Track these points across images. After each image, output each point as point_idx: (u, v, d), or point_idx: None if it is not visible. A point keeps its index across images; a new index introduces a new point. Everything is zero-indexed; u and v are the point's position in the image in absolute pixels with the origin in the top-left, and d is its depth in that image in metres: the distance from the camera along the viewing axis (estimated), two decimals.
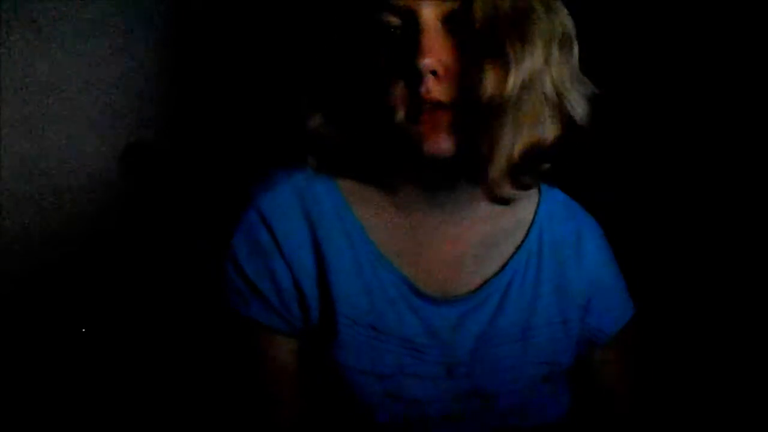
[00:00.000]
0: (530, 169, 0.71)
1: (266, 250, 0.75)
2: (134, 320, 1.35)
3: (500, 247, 0.80)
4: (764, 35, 1.11)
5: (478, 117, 0.67)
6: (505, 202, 0.73)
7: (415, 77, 0.67)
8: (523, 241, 0.81)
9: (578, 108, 0.71)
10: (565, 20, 0.71)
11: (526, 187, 0.73)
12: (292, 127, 0.78)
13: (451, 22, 0.68)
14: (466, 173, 0.74)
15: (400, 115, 0.69)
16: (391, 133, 0.71)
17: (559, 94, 0.69)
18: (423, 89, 0.67)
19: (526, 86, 0.67)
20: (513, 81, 0.66)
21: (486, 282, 0.78)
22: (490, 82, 0.66)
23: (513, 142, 0.67)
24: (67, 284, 1.35)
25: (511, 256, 0.80)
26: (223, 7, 1.41)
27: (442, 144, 0.68)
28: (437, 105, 0.68)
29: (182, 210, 1.40)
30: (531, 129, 0.68)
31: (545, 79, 0.68)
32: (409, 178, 0.77)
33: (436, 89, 0.67)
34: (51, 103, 1.34)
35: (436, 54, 0.67)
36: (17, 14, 1.31)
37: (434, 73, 0.67)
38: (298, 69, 0.79)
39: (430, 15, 0.67)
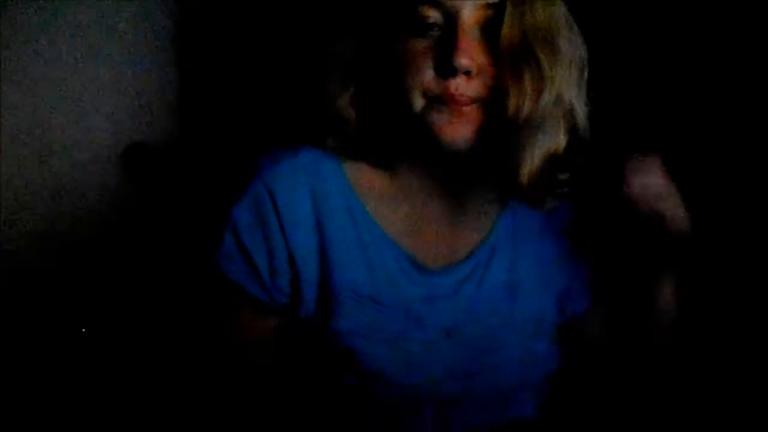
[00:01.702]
0: (549, 177, 0.77)
1: (267, 222, 0.78)
2: (134, 320, 1.36)
3: (487, 215, 0.87)
4: (764, 36, 1.11)
5: (507, 126, 0.73)
6: (539, 203, 0.79)
7: (448, 73, 0.72)
8: (503, 209, 0.87)
9: (584, 123, 0.77)
10: (581, 43, 0.77)
11: (551, 193, 0.79)
12: (311, 109, 0.83)
13: (487, 29, 0.73)
14: (477, 169, 0.81)
15: (425, 102, 0.74)
16: (412, 119, 0.76)
17: (572, 111, 0.76)
18: (453, 86, 0.72)
19: (554, 101, 0.73)
20: (547, 96, 0.72)
21: (477, 247, 0.85)
22: (526, 96, 0.72)
23: (536, 153, 0.74)
24: (67, 285, 1.36)
25: (495, 223, 0.86)
26: (225, 6, 1.41)
27: (461, 134, 0.74)
28: (464, 100, 0.73)
29: (183, 210, 1.40)
30: (551, 141, 0.75)
31: (565, 96, 0.74)
32: (413, 167, 0.82)
33: (465, 87, 0.72)
34: (52, 105, 1.35)
35: (471, 55, 0.72)
36: (19, 16, 1.31)
37: (467, 72, 0.72)
38: (328, 51, 0.82)
39: (469, 17, 0.73)
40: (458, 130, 0.74)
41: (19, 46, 1.33)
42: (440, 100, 0.74)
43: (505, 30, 0.72)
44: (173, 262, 1.37)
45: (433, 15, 0.74)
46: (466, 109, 0.74)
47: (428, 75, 0.74)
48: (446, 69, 0.72)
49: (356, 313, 0.78)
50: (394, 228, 0.82)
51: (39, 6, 1.33)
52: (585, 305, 0.91)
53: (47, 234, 1.36)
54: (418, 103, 0.75)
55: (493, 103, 0.74)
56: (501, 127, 0.73)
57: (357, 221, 0.81)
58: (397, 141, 0.81)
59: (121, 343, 1.36)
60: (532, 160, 0.74)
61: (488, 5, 0.73)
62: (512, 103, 0.72)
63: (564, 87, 0.73)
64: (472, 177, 0.83)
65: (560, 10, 0.75)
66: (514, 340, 0.84)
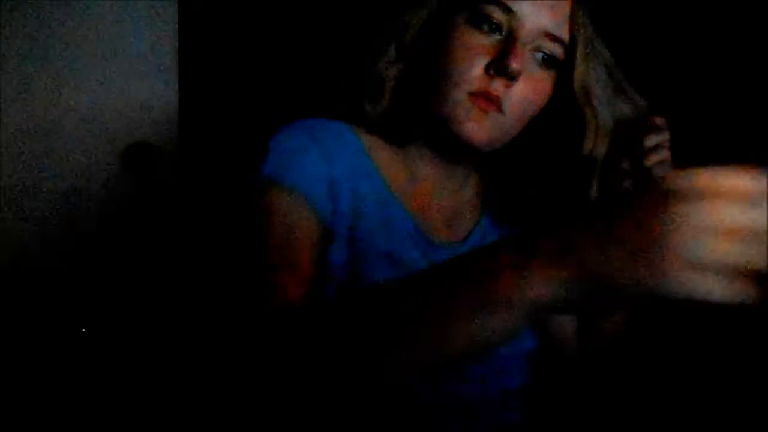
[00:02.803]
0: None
1: (312, 148, 0.81)
2: (135, 319, 1.36)
3: (476, 206, 0.95)
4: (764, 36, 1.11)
5: (579, 159, 0.83)
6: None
7: (498, 72, 0.78)
8: (486, 202, 0.96)
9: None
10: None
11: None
12: (355, 74, 0.87)
13: (536, 57, 0.81)
14: (480, 168, 0.90)
15: (463, 92, 0.79)
16: (443, 107, 0.81)
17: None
18: (494, 85, 0.78)
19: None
20: (608, 141, 0.83)
21: (472, 230, 0.93)
22: (599, 135, 0.82)
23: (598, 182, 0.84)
24: (67, 284, 1.36)
25: (481, 213, 0.95)
26: (225, 8, 1.41)
27: (479, 134, 0.80)
28: (496, 102, 0.79)
29: (184, 209, 1.40)
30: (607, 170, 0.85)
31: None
32: (424, 153, 0.88)
33: (503, 92, 0.78)
34: (52, 107, 1.35)
35: (522, 64, 0.78)
36: (20, 18, 1.32)
37: (513, 78, 0.78)
38: (388, 26, 0.86)
39: (530, 32, 0.79)
40: (478, 130, 0.80)
41: (20, 50, 1.33)
42: (476, 97, 0.79)
43: (579, 69, 0.81)
44: (174, 261, 1.38)
45: (498, 17, 0.79)
46: (492, 112, 0.79)
47: (477, 70, 0.79)
48: (497, 68, 0.78)
49: (376, 268, 0.82)
50: (405, 201, 0.87)
51: (40, 9, 1.33)
52: None
53: (48, 233, 1.36)
54: (457, 93, 0.79)
55: (518, 126, 0.82)
56: (569, 160, 0.83)
57: (375, 186, 0.86)
58: (418, 124, 0.86)
59: (122, 341, 1.35)
60: (596, 186, 0.84)
61: (551, 36, 0.80)
62: (589, 139, 0.82)
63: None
64: (473, 174, 0.92)
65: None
66: None
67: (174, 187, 1.41)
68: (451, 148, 0.86)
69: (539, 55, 0.81)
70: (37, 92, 1.34)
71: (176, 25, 1.40)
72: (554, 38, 0.80)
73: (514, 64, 0.77)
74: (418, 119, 0.86)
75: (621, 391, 1.08)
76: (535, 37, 0.80)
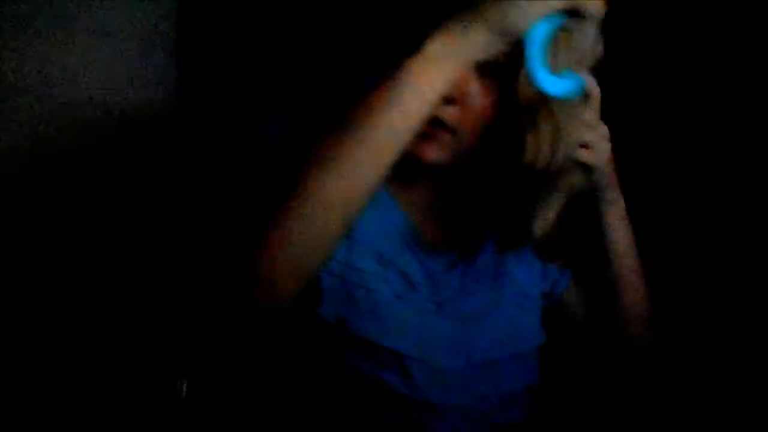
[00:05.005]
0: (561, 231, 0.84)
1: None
2: (135, 319, 1.35)
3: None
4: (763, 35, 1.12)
5: (525, 175, 0.78)
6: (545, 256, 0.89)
7: None
8: None
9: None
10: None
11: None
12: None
13: (487, 71, 0.77)
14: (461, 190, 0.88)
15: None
16: None
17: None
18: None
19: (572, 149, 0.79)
20: (564, 148, 0.77)
21: (468, 232, 0.92)
22: (543, 146, 0.76)
23: (552, 204, 0.80)
24: (66, 284, 1.35)
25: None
26: (226, 5, 1.41)
27: (430, 155, 0.80)
28: (441, 125, 0.78)
29: (183, 208, 1.40)
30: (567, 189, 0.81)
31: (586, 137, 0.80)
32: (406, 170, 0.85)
33: (447, 114, 0.77)
34: (50, 104, 1.34)
35: (458, 84, 0.75)
36: (17, 14, 1.31)
37: (450, 101, 0.76)
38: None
39: None
40: (429, 151, 0.80)
41: (18, 46, 1.32)
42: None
43: (523, 83, 0.76)
44: (174, 263, 1.37)
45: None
46: (440, 133, 0.79)
47: None
48: None
49: (365, 263, 0.83)
50: (398, 201, 0.88)
51: (38, 7, 1.33)
52: (566, 282, 0.97)
53: (46, 232, 1.35)
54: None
55: (481, 147, 0.80)
56: (516, 175, 0.78)
57: None
58: None
59: (119, 335, 1.35)
60: (548, 212, 0.80)
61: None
62: (530, 151, 0.76)
63: (583, 131, 0.78)
64: (457, 193, 0.89)
65: None
66: (502, 314, 0.90)
67: (175, 188, 1.41)
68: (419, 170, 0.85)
69: None
70: (34, 92, 1.33)
71: (176, 22, 1.39)
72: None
73: None
74: None
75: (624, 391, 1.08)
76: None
